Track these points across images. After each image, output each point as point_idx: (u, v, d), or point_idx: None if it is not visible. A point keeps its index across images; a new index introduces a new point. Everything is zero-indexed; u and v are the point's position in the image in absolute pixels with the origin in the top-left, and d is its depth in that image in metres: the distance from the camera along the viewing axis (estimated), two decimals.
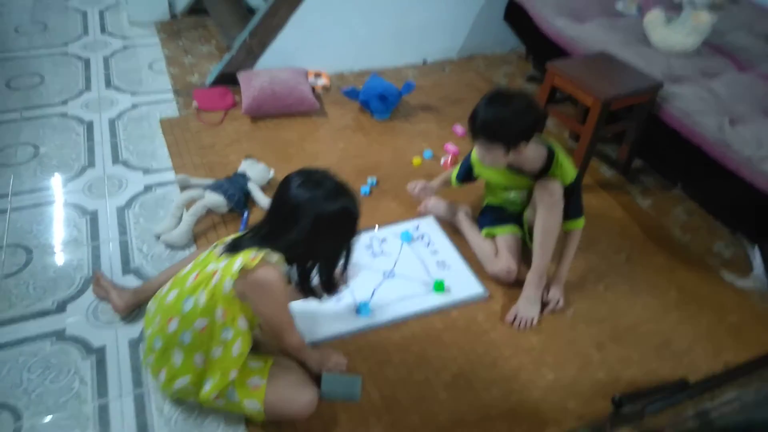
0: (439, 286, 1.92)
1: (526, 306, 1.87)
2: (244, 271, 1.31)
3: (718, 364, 1.79)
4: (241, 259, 1.32)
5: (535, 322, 1.86)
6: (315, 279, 1.49)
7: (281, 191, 1.36)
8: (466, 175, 2.07)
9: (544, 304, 1.91)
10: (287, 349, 1.54)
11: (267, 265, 1.32)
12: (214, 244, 1.47)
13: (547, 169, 1.81)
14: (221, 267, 1.35)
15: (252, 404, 1.43)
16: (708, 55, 2.65)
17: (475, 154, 1.92)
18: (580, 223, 1.89)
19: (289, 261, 1.39)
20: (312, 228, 1.32)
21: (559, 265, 1.94)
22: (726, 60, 2.64)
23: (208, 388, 1.42)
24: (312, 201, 1.31)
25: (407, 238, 2.10)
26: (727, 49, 2.73)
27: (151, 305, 1.51)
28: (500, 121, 1.67)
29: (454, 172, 2.12)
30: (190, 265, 1.47)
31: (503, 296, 1.95)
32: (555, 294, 1.92)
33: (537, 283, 1.88)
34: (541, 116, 1.73)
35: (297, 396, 1.46)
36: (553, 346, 1.80)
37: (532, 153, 1.79)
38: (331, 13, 2.88)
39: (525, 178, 1.87)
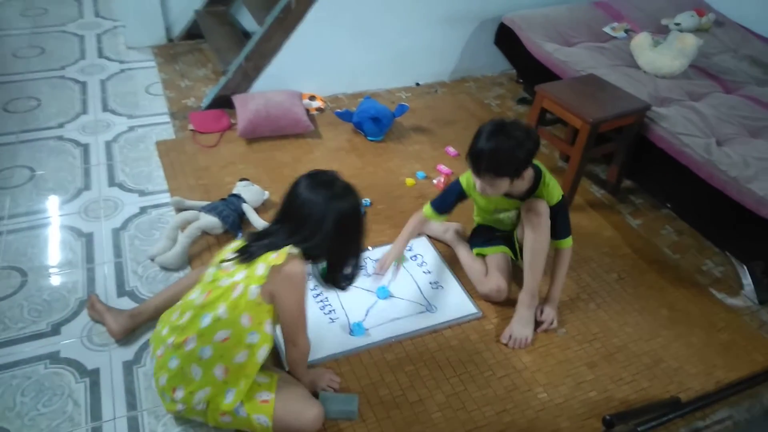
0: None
1: (520, 326, 1.88)
2: (273, 270, 1.35)
3: (710, 383, 1.80)
4: (263, 264, 1.35)
5: (529, 341, 1.87)
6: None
7: (294, 194, 1.41)
8: (456, 202, 1.98)
9: (537, 323, 1.92)
10: (297, 355, 1.55)
11: (293, 258, 1.37)
12: (218, 263, 1.48)
13: (534, 189, 1.84)
14: (240, 279, 1.38)
15: (261, 419, 1.44)
16: (695, 77, 2.71)
17: (467, 180, 1.91)
18: (568, 242, 1.91)
19: (307, 258, 1.42)
20: (335, 226, 1.38)
21: (552, 284, 1.95)
22: (712, 82, 2.70)
23: (231, 399, 1.43)
24: (329, 200, 1.38)
25: (400, 258, 2.11)
26: (713, 71, 2.79)
27: (160, 326, 1.52)
28: (507, 155, 1.66)
29: (426, 209, 1.98)
30: (198, 289, 1.48)
31: (496, 316, 1.96)
32: (549, 313, 1.93)
33: (529, 303, 1.90)
34: (538, 139, 1.75)
35: (305, 410, 1.47)
36: (545, 365, 1.81)
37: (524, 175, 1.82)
38: (324, 38, 2.93)
39: (514, 200, 1.90)
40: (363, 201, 1.50)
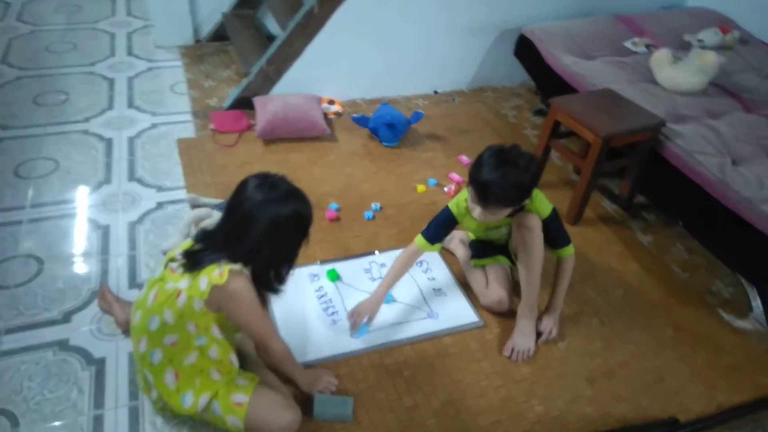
0: (332, 275, 2.03)
1: (522, 338, 1.88)
2: (215, 289, 1.36)
3: (711, 405, 1.78)
4: (206, 279, 1.36)
5: (531, 353, 1.87)
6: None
7: (237, 195, 1.40)
8: (447, 230, 1.94)
9: (538, 334, 1.92)
10: (274, 359, 1.58)
11: (235, 275, 1.37)
12: (167, 257, 1.49)
13: (522, 207, 1.80)
14: (184, 288, 1.38)
15: (233, 420, 1.46)
16: (715, 95, 2.68)
17: (456, 207, 1.88)
18: (569, 250, 1.90)
19: (246, 263, 1.41)
20: (268, 230, 1.37)
21: (553, 294, 1.95)
22: (733, 100, 2.66)
23: (191, 402, 1.45)
24: (267, 203, 1.36)
25: None
26: (734, 89, 2.76)
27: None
28: (515, 185, 1.65)
29: (418, 241, 1.89)
30: (145, 285, 1.51)
31: (498, 326, 1.97)
32: (548, 323, 1.93)
33: (529, 315, 1.90)
34: (539, 162, 1.74)
35: (277, 417, 1.47)
36: (543, 378, 1.81)
37: None
38: (345, 44, 2.97)
39: (505, 218, 1.88)
40: (310, 205, 1.46)
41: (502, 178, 1.63)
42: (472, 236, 2.14)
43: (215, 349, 1.45)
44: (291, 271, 1.53)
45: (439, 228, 1.90)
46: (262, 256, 1.42)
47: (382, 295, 1.87)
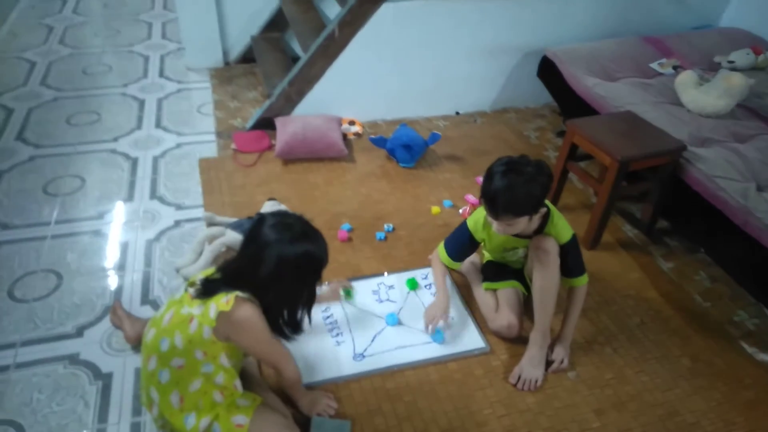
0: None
1: (531, 367, 1.84)
2: (222, 315, 1.37)
3: None
4: (215, 306, 1.37)
5: (539, 383, 1.82)
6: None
7: (253, 231, 1.41)
8: (467, 249, 1.98)
9: (548, 363, 1.87)
10: (285, 383, 1.58)
11: (242, 303, 1.38)
12: (188, 281, 1.52)
13: (542, 228, 1.80)
14: (197, 314, 1.41)
15: None
16: (743, 118, 2.59)
17: (474, 224, 1.90)
18: (583, 280, 1.86)
19: (257, 298, 1.42)
20: (275, 269, 1.37)
21: (564, 323, 1.90)
22: (762, 123, 2.57)
23: (193, 422, 1.46)
24: (277, 242, 1.37)
25: (413, 285, 2.12)
26: (764, 112, 2.66)
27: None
28: (523, 193, 1.64)
29: (442, 254, 1.98)
30: (164, 304, 1.54)
31: (505, 352, 1.93)
32: (559, 353, 1.88)
33: (541, 343, 1.85)
34: (550, 172, 1.72)
35: None
36: (549, 408, 1.76)
37: None
38: (366, 66, 3.00)
39: (523, 238, 1.87)
40: (325, 245, 1.44)
41: (508, 187, 1.63)
42: (487, 256, 2.11)
43: (221, 375, 1.46)
44: (307, 318, 1.53)
45: (461, 247, 1.96)
46: (271, 295, 1.43)
47: (446, 293, 1.96)
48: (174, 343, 1.42)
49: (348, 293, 2.07)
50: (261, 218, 1.42)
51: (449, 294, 2.00)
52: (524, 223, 1.71)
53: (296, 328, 1.51)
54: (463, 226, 1.93)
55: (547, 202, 1.79)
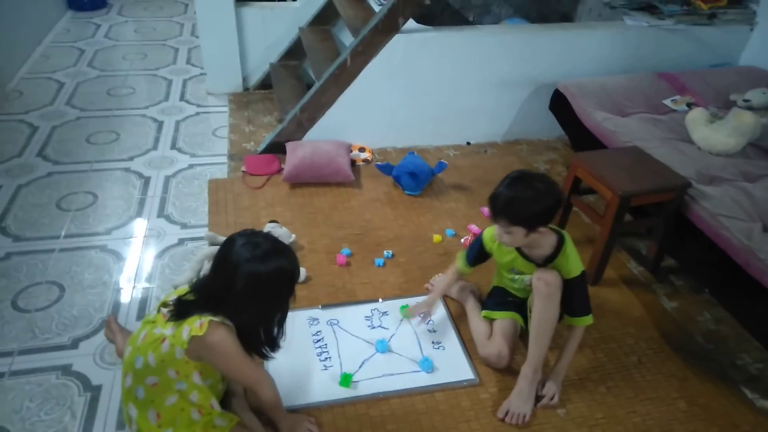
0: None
1: (520, 401, 1.80)
2: (195, 339, 1.38)
3: None
4: (188, 329, 1.39)
5: (527, 418, 1.79)
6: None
7: (223, 252, 1.43)
8: (478, 255, 2.03)
9: (538, 398, 1.84)
10: (263, 403, 1.58)
11: (215, 327, 1.39)
12: (161, 301, 1.54)
13: (553, 258, 1.80)
14: (169, 335, 1.42)
15: None
16: (754, 157, 2.54)
17: (489, 233, 1.94)
18: (586, 321, 1.84)
19: (231, 320, 1.44)
20: (248, 288, 1.38)
21: (559, 359, 1.87)
22: None
23: None
24: (248, 261, 1.37)
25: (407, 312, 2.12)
26: None
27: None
28: (522, 203, 1.67)
29: (460, 259, 2.05)
30: (141, 323, 1.56)
31: (495, 385, 1.90)
32: (551, 388, 1.84)
33: (531, 378, 1.82)
34: (561, 199, 1.73)
35: None
36: None
37: (545, 239, 1.79)
38: (377, 94, 3.05)
39: (532, 264, 1.86)
40: (296, 260, 1.47)
41: (511, 193, 1.69)
42: (496, 280, 2.12)
43: (195, 394, 1.48)
44: (282, 335, 1.54)
45: (475, 253, 2.02)
46: (246, 314, 1.44)
47: (439, 296, 2.13)
48: (147, 362, 1.44)
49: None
50: (230, 239, 1.43)
51: (439, 300, 2.15)
52: (521, 237, 1.73)
53: (273, 345, 1.51)
54: (481, 233, 2.00)
55: (564, 233, 1.80)
